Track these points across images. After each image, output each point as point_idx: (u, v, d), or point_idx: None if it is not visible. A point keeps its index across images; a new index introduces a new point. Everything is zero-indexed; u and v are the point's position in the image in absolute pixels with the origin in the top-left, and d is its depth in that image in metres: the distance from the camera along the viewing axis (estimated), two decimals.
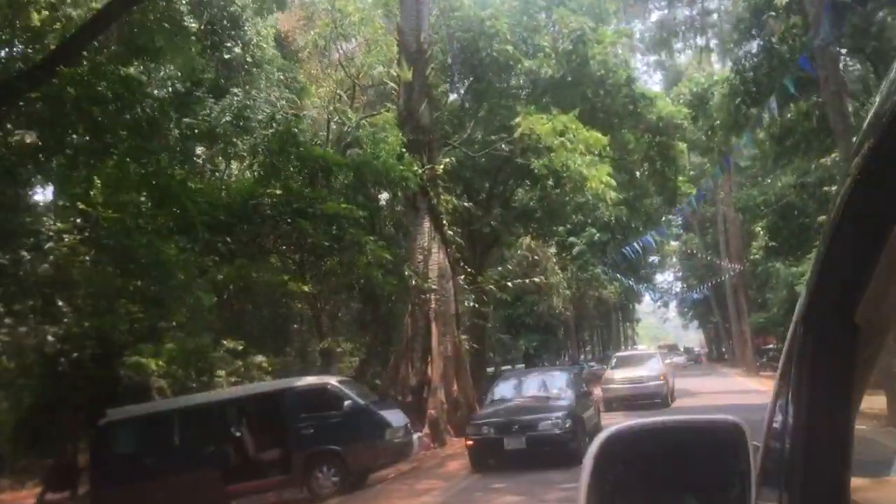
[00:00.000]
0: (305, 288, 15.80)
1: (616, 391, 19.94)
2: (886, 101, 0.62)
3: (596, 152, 20.75)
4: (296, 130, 13.72)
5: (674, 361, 41.48)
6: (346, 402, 9.72)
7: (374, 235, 16.25)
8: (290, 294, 15.13)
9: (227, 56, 19.37)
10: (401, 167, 14.74)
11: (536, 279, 34.40)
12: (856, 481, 0.92)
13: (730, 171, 25.69)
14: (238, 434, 9.89)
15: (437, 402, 14.74)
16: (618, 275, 37.26)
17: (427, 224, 16.16)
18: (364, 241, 13.00)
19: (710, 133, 22.90)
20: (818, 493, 0.83)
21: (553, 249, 34.16)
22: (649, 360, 22.95)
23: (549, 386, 12.24)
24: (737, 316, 46.13)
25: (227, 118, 15.30)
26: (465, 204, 20.95)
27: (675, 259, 66.39)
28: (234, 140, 15.20)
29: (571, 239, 41.13)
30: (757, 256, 43.91)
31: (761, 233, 25.69)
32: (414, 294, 15.84)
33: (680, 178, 25.17)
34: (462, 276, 16.32)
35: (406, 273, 15.18)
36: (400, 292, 15.68)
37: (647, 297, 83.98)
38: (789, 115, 17.98)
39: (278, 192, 12.72)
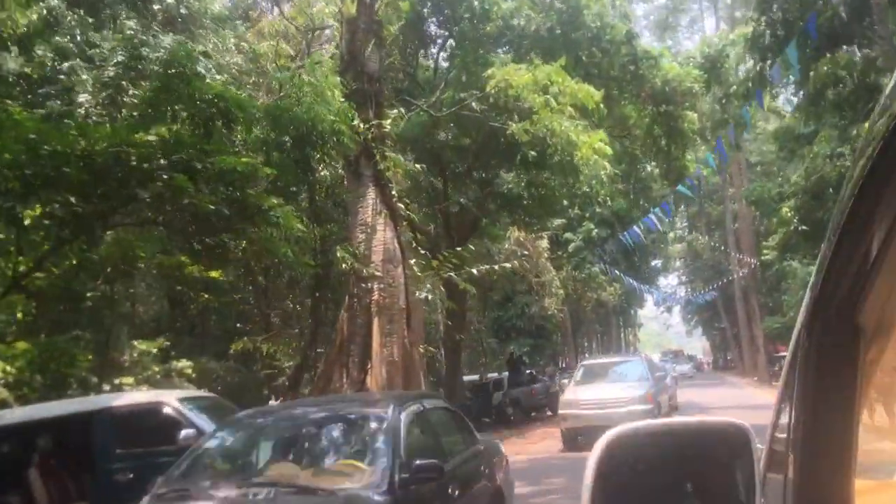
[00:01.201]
0: (215, 274, 12.43)
1: (578, 418, 13.81)
2: (893, 97, 0.61)
3: (591, 118, 17.39)
4: (188, 61, 10.33)
5: (677, 371, 38.08)
6: (185, 433, 6.20)
7: (304, 207, 12.92)
8: (188, 281, 11.72)
9: (156, 6, 16.20)
10: (332, 117, 11.36)
11: (526, 274, 31.07)
12: (860, 483, 0.92)
13: (740, 147, 22.21)
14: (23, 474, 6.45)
15: None
16: (617, 271, 33.69)
17: (371, 195, 12.78)
18: (269, 207, 9.60)
19: (723, 102, 19.52)
20: (822, 496, 0.85)
21: (545, 243, 30.73)
22: (630, 370, 16.04)
23: None
24: (746, 321, 42.64)
25: (120, 58, 12.00)
26: (433, 178, 17.54)
27: (678, 262, 62.93)
28: (124, 83, 11.88)
29: (567, 235, 37.74)
30: (769, 257, 40.52)
31: (788, 214, 22.10)
32: (353, 283, 12.46)
33: (688, 157, 21.70)
34: (414, 261, 12.85)
35: (339, 254, 11.79)
36: (328, 277, 12.30)
37: (649, 303, 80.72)
38: (826, 68, 14.68)
39: (152, 137, 9.33)
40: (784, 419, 0.97)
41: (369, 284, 12.39)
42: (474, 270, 13.26)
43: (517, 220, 24.55)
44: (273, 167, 10.71)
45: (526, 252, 29.48)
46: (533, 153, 16.12)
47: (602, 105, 15.68)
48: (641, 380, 15.05)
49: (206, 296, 13.31)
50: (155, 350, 14.62)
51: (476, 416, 20.15)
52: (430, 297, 12.28)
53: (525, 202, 23.68)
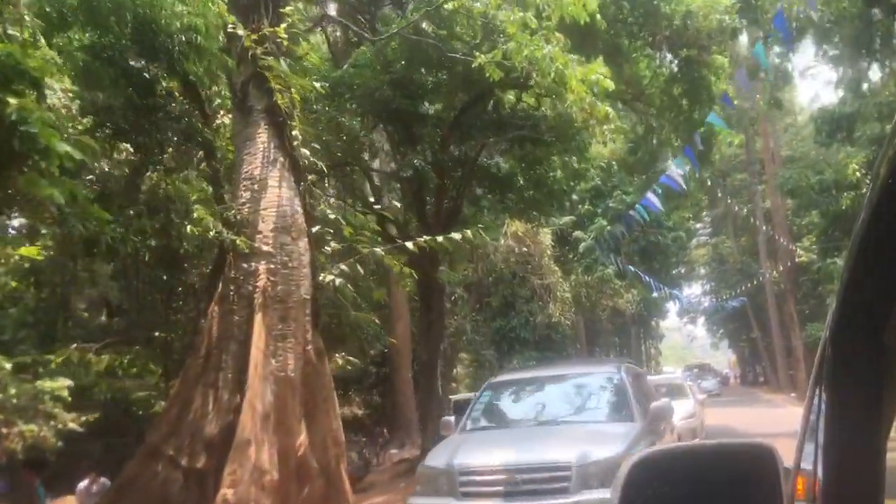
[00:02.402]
0: (30, 251, 8.52)
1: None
2: None
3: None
4: None
5: (702, 388, 33.68)
6: None
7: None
8: None
9: None
10: (182, 5, 7.47)
11: (526, 275, 26.91)
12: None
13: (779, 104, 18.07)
14: None
15: (245, 469, 7.32)
16: (632, 268, 29.35)
17: (263, 137, 8.84)
18: (52, 143, 5.69)
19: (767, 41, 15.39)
20: None
21: (549, 239, 26.60)
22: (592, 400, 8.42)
23: None
24: (780, 329, 38.13)
25: None
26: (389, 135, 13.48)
27: (702, 270, 58.28)
28: None
29: (577, 233, 33.63)
30: (804, 259, 36.06)
31: (857, 173, 17.84)
32: (229, 263, 8.50)
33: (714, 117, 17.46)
34: (330, 233, 8.77)
35: (198, 215, 7.84)
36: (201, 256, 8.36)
37: (671, 313, 76.01)
38: None
39: None
40: (811, 438, 0.95)
41: (252, 265, 8.41)
42: (423, 240, 9.12)
43: (510, 207, 20.48)
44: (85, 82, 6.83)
45: (525, 248, 25.41)
46: (510, 98, 12.06)
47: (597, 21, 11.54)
48: (613, 431, 7.14)
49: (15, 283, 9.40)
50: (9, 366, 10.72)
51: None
52: (336, 282, 8.21)
53: (519, 185, 19.67)
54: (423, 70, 12.84)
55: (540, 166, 18.87)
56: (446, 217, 18.52)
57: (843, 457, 0.84)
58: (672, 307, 71.96)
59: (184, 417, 7.98)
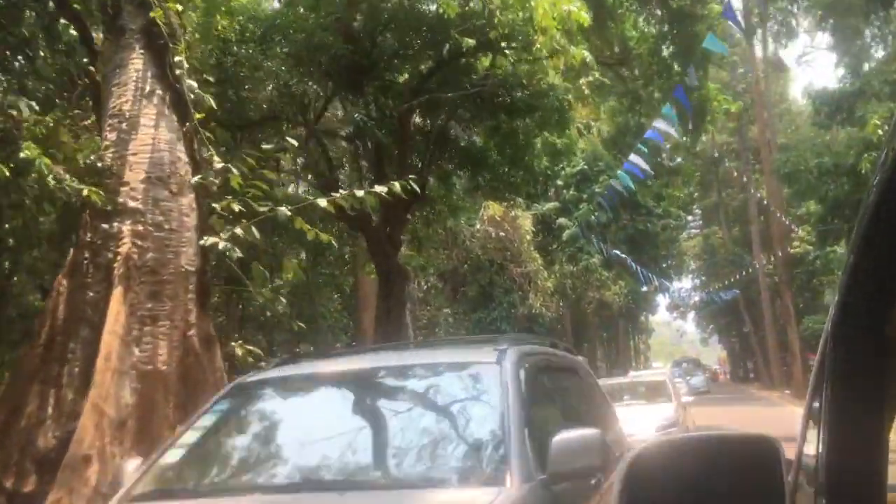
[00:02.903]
0: None
1: None
2: None
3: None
4: None
5: (690, 385, 31.92)
6: None
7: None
8: None
9: None
10: None
11: (505, 263, 25.02)
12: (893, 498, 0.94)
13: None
14: None
15: (79, 496, 5.41)
16: (619, 253, 27.43)
17: (138, 63, 6.88)
18: None
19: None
20: None
21: (528, 223, 24.72)
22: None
23: None
24: (774, 323, 36.45)
25: None
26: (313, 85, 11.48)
27: (693, 265, 56.54)
28: None
29: (561, 220, 31.77)
30: (800, 249, 34.32)
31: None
32: (84, 223, 6.56)
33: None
34: (216, 181, 6.79)
35: (26, 153, 5.89)
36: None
37: (661, 308, 74.39)
38: None
39: None
40: (813, 432, 0.95)
41: (115, 225, 6.46)
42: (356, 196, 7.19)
43: (483, 186, 18.57)
44: None
45: (504, 234, 23.53)
46: (468, 42, 10.12)
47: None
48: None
49: None
50: None
51: None
52: (228, 251, 6.28)
53: (493, 161, 17.79)
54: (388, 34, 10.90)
55: (515, 139, 16.98)
56: (411, 202, 16.63)
57: (846, 450, 0.83)
58: (662, 301, 70.44)
59: (13, 426, 6.03)
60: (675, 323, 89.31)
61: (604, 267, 34.37)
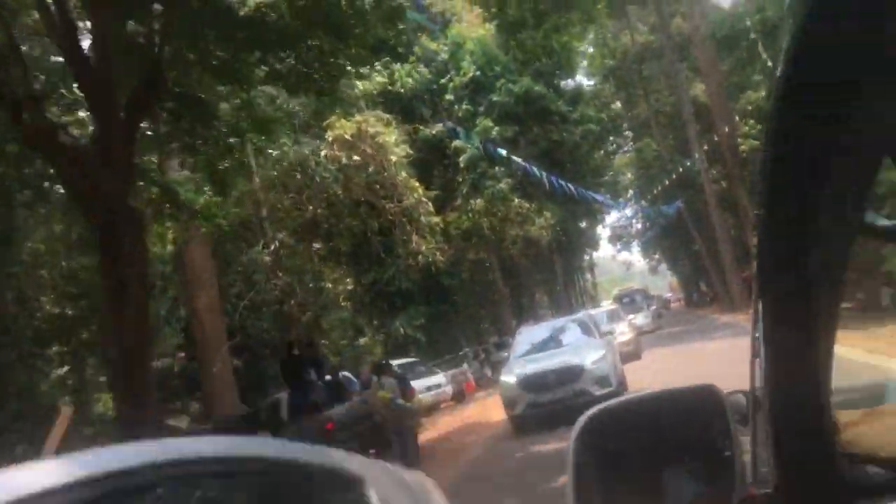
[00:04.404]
0: None
1: None
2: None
3: None
4: None
5: (637, 323, 26.27)
6: None
7: None
8: None
9: None
10: None
11: (368, 197, 18.58)
12: (845, 415, 0.98)
13: None
14: None
15: None
16: (538, 170, 21.13)
17: None
18: None
19: None
20: (798, 435, 0.87)
21: (393, 138, 18.19)
22: None
23: None
24: (727, 235, 31.08)
25: None
26: None
27: (628, 186, 50.71)
28: None
29: (457, 143, 25.48)
30: (745, 147, 28.75)
31: None
32: None
33: None
34: None
35: None
36: None
37: (603, 242, 69.19)
38: None
39: None
40: (758, 363, 0.97)
41: None
42: None
43: (286, 73, 12.05)
44: None
45: (358, 158, 17.08)
46: None
47: None
48: None
49: None
50: None
51: None
52: None
53: (285, 28, 11.36)
54: None
55: None
56: (143, 93, 10.01)
57: (783, 377, 0.85)
58: (603, 234, 65.16)
59: None
60: (619, 256, 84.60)
61: (519, 195, 28.28)
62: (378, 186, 18.17)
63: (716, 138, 29.89)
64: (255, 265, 18.29)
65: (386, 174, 17.63)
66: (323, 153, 16.61)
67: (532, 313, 43.57)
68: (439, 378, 19.84)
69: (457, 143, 24.39)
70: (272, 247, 18.25)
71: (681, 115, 35.65)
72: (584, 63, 44.26)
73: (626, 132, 47.94)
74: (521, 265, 38.03)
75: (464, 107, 24.52)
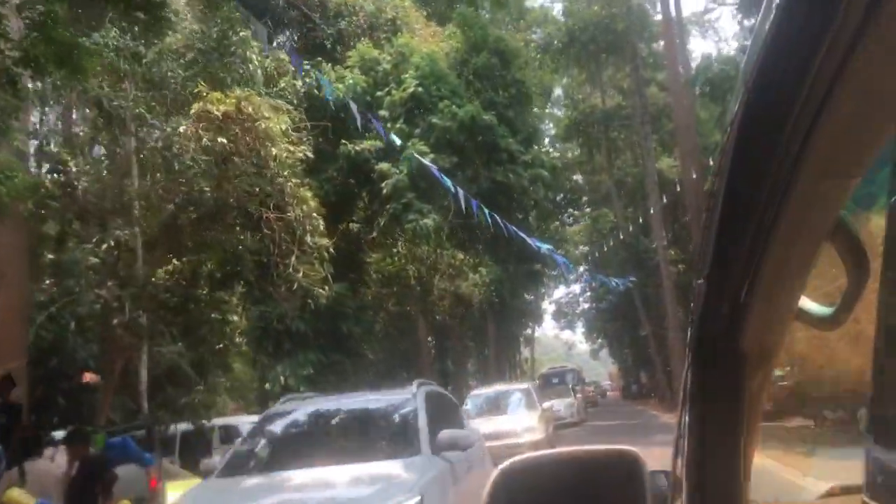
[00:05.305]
0: None
1: None
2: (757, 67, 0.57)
3: None
4: None
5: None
6: None
7: None
8: None
9: None
10: None
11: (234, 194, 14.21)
12: None
13: None
14: None
15: None
16: (481, 210, 17.14)
17: None
18: None
19: None
20: None
21: (279, 126, 13.99)
22: None
23: None
24: (678, 321, 27.52)
25: None
26: None
27: (583, 270, 47.37)
28: None
29: (382, 165, 21.57)
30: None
31: None
32: None
33: None
34: None
35: None
36: None
37: (548, 315, 65.60)
38: None
39: None
40: (680, 446, 0.96)
41: None
42: None
43: None
44: None
45: (230, 141, 12.90)
46: None
47: None
48: None
49: None
50: None
51: None
52: None
53: None
54: None
55: None
56: None
57: (704, 464, 0.84)
58: (547, 308, 61.48)
59: None
60: (563, 335, 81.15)
61: (453, 244, 24.30)
62: (257, 190, 14.05)
63: (684, 219, 26.70)
64: (76, 267, 13.82)
65: (267, 173, 13.52)
66: (181, 128, 12.45)
67: (458, 380, 39.14)
68: None
69: (382, 165, 20.45)
70: (105, 245, 13.83)
71: (644, 188, 32.58)
72: (550, 126, 41.57)
73: (586, 208, 44.93)
74: (451, 326, 33.92)
75: (399, 125, 20.67)
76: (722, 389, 0.81)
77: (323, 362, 20.98)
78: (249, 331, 23.31)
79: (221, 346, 27.57)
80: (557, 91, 41.22)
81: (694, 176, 22.71)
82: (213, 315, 18.97)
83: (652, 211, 29.51)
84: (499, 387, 18.33)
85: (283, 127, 13.57)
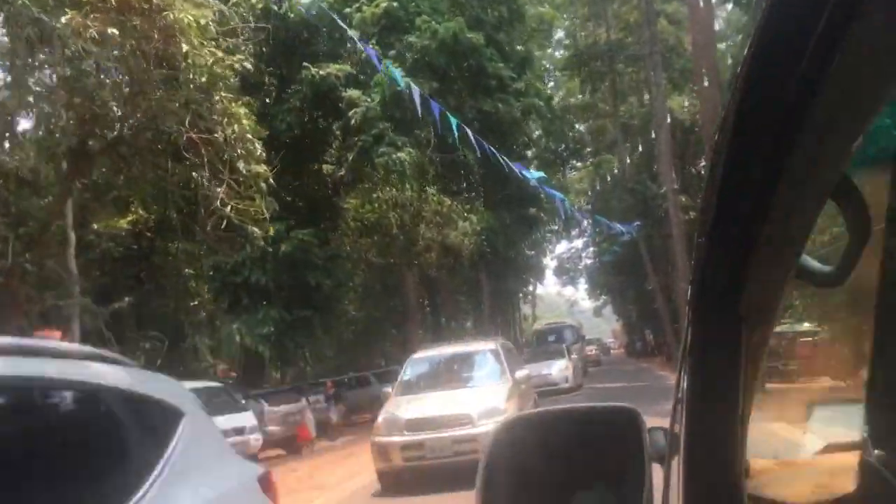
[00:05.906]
0: None
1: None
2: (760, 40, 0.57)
3: None
4: None
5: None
6: None
7: None
8: None
9: None
10: None
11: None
12: (760, 463, 1.03)
13: None
14: None
15: None
16: (471, 136, 14.36)
17: None
18: None
19: None
20: (710, 478, 0.87)
21: (205, 21, 11.18)
22: None
23: None
24: (688, 272, 24.85)
25: None
26: None
27: (585, 224, 44.55)
28: None
29: (350, 92, 18.72)
30: None
31: None
32: None
33: None
34: None
35: None
36: None
37: (550, 272, 63.08)
38: None
39: None
40: (679, 404, 0.98)
41: None
42: None
43: None
44: None
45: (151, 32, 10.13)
46: None
47: None
48: None
49: None
50: None
51: None
52: None
53: None
54: None
55: None
56: None
57: (702, 423, 0.86)
58: (548, 263, 58.88)
59: None
60: (565, 291, 78.78)
61: (432, 181, 21.51)
62: (177, 105, 11.34)
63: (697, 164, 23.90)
64: None
65: (183, 80, 10.78)
66: (64, 19, 9.70)
67: (452, 339, 36.67)
68: (244, 418, 12.86)
69: (350, 92, 17.62)
70: None
71: (652, 130, 29.67)
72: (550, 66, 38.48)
73: (590, 159, 41.97)
74: (442, 280, 31.40)
75: (371, 45, 17.81)
76: (721, 347, 0.80)
77: (286, 319, 18.44)
78: (210, 285, 20.91)
79: (195, 303, 25.04)
80: (559, 34, 38.19)
81: (715, 107, 19.83)
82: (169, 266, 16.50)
83: (662, 151, 26.64)
84: (453, 347, 12.49)
85: (203, 22, 10.72)
